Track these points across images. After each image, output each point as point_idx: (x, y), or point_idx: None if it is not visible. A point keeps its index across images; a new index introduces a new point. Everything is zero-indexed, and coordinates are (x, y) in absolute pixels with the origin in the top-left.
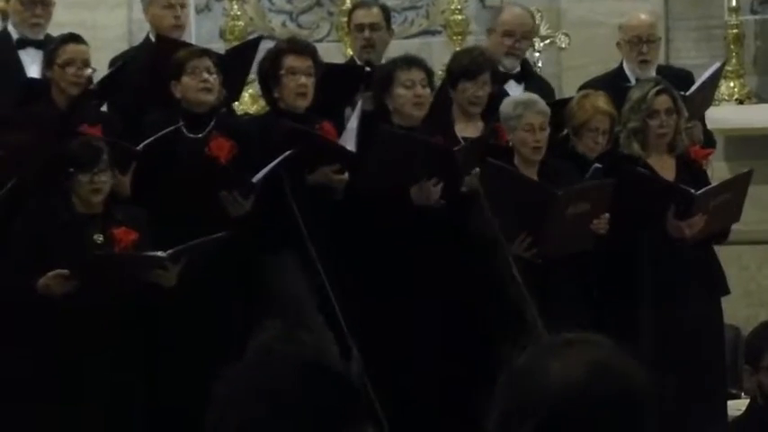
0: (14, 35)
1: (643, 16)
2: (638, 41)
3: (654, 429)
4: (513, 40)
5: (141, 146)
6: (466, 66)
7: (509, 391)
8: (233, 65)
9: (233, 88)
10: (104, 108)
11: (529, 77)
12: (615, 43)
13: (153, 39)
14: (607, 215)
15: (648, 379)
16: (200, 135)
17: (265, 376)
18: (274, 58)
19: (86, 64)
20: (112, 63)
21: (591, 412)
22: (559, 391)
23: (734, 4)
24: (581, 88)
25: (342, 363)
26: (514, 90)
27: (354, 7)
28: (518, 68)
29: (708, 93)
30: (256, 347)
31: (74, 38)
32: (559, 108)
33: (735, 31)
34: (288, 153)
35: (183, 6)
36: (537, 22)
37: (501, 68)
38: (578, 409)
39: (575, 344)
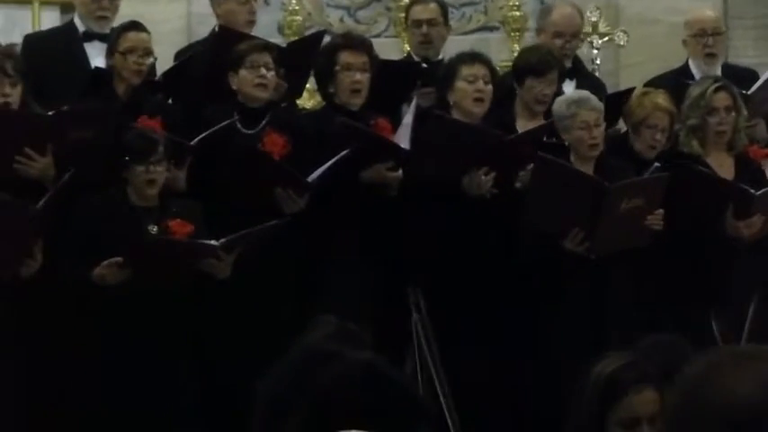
0: (81, 28)
1: (708, 11)
2: (704, 35)
3: None
4: (563, 41)
5: (195, 141)
6: (534, 64)
7: (682, 399)
8: (295, 59)
9: (296, 83)
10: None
11: (580, 74)
12: (681, 41)
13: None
14: (661, 211)
15: None
16: (254, 130)
17: (319, 379)
18: (330, 53)
19: (148, 53)
20: (178, 56)
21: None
22: (743, 406)
23: None
24: (646, 85)
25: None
26: (567, 87)
27: (412, 3)
28: (570, 65)
29: None
30: (308, 345)
31: (135, 26)
32: (614, 102)
33: None
34: (344, 153)
35: (255, 1)
36: (595, 19)
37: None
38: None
39: (755, 357)
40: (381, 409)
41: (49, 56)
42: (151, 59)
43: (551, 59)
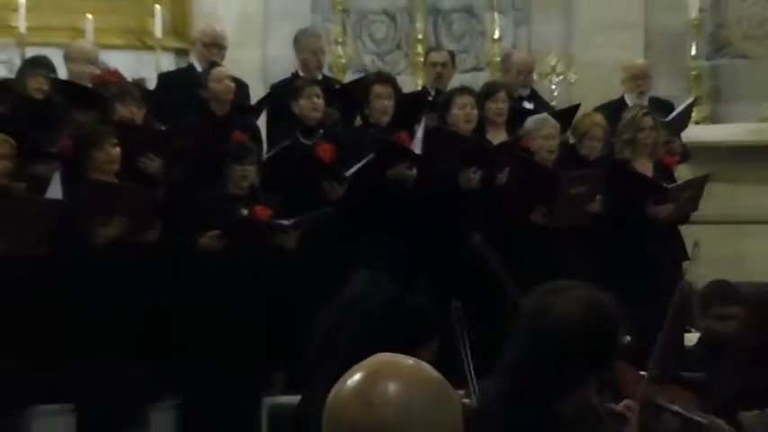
0: (198, 68)
1: (640, 60)
2: (637, 77)
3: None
4: (523, 75)
5: (274, 150)
6: (485, 89)
7: (528, 321)
8: (346, 95)
9: (349, 113)
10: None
11: (535, 98)
12: (620, 81)
13: (301, 73)
14: (599, 197)
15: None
16: (310, 141)
17: (362, 307)
18: (366, 86)
19: (232, 80)
20: (271, 87)
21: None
22: (563, 326)
23: (694, 53)
24: (594, 110)
25: (416, 298)
26: (527, 105)
27: (430, 50)
28: (528, 92)
29: (684, 118)
30: (350, 290)
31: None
32: (561, 115)
33: (695, 72)
34: (371, 156)
35: (323, 53)
36: (554, 63)
37: (516, 93)
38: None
39: (570, 287)
40: (403, 329)
41: (175, 88)
42: (233, 85)
43: (497, 84)
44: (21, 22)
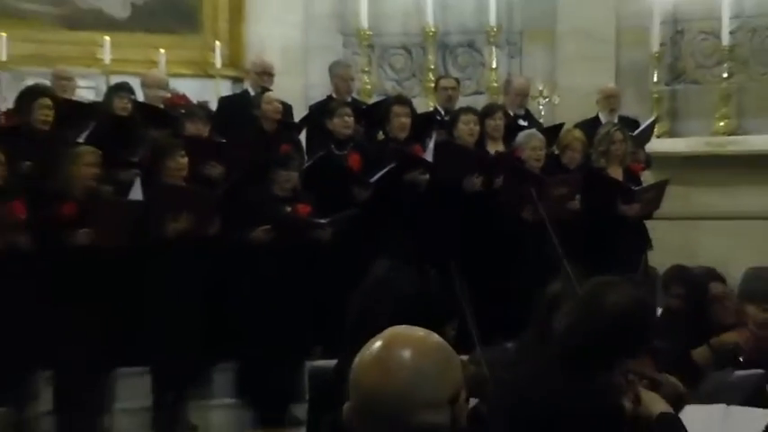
0: (251, 92)
1: (611, 85)
2: (609, 98)
3: None
4: (520, 98)
5: (306, 163)
6: (485, 109)
7: (581, 305)
8: (371, 114)
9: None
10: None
11: (529, 116)
12: (595, 101)
13: (334, 96)
14: (578, 197)
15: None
16: (342, 153)
17: (392, 285)
18: (387, 107)
19: (279, 103)
20: (310, 108)
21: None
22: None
23: (655, 80)
24: (574, 126)
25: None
26: (522, 123)
27: (439, 78)
28: (523, 112)
29: (647, 133)
30: (377, 274)
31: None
32: (548, 132)
33: (656, 95)
34: (391, 165)
35: (352, 80)
36: (541, 88)
37: (512, 112)
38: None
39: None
40: (432, 310)
41: (233, 109)
42: (280, 107)
43: (494, 105)
44: (106, 55)
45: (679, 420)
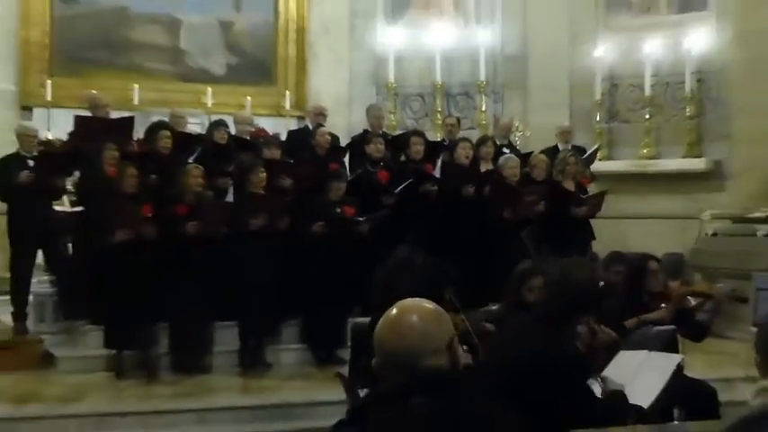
0: (310, 127)
1: (566, 123)
2: (564, 133)
3: None
4: (505, 132)
5: (350, 177)
6: (479, 140)
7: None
8: (397, 143)
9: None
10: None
11: (511, 146)
12: (555, 135)
13: (369, 130)
14: (543, 202)
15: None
16: (374, 170)
17: (409, 264)
18: (407, 138)
19: (329, 134)
20: (352, 138)
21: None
22: (579, 286)
23: (598, 119)
24: (540, 152)
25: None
26: (506, 151)
27: (445, 117)
28: (507, 142)
29: (592, 157)
30: (399, 255)
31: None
32: (525, 157)
33: (598, 130)
34: (410, 180)
35: (383, 118)
36: (517, 124)
37: (499, 142)
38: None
39: (581, 264)
40: (436, 279)
41: (297, 139)
42: (329, 139)
43: (486, 137)
44: (208, 101)
45: (626, 397)
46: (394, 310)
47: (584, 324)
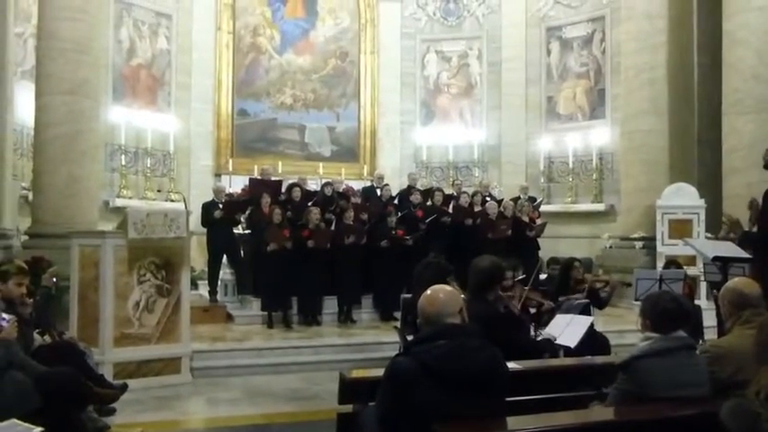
0: (375, 185)
1: (525, 183)
2: (523, 189)
3: None
4: (487, 189)
5: (399, 214)
6: (474, 192)
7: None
8: (426, 195)
9: (426, 198)
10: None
11: (491, 197)
12: (517, 190)
13: (410, 185)
14: (510, 229)
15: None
16: (414, 210)
17: (430, 264)
18: (432, 191)
19: (388, 189)
20: (400, 191)
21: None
22: (485, 269)
23: (542, 181)
24: (510, 200)
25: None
26: (488, 199)
27: (453, 180)
28: (488, 194)
29: (539, 203)
30: (428, 259)
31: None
32: (500, 203)
33: (543, 188)
34: (434, 215)
35: (417, 180)
36: (496, 183)
37: (485, 194)
38: None
39: (487, 257)
40: (444, 271)
41: (369, 192)
42: (389, 193)
43: (478, 191)
44: (320, 171)
45: (553, 341)
46: (429, 291)
47: (493, 295)
